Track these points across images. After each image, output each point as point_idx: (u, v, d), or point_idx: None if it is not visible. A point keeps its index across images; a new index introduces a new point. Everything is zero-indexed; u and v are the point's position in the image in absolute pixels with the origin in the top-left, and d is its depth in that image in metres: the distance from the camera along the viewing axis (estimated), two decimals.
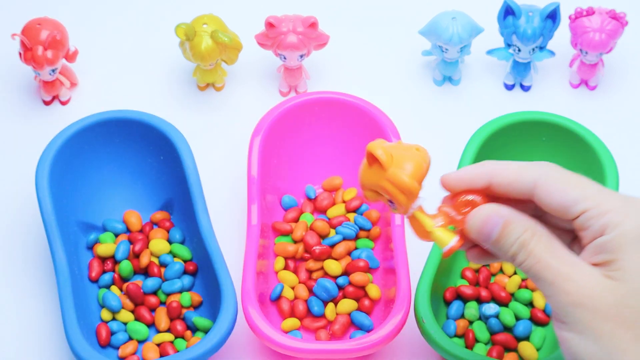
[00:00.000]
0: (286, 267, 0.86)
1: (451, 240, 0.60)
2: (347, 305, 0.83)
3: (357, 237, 0.87)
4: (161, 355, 0.81)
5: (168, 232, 0.88)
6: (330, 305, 0.84)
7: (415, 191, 0.60)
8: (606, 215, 0.55)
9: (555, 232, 0.59)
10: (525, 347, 0.81)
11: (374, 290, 0.84)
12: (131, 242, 0.86)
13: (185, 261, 0.86)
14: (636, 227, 0.55)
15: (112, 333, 0.83)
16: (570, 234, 0.60)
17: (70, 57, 0.95)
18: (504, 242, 0.58)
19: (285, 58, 0.94)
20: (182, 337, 0.83)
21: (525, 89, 0.98)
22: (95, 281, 0.86)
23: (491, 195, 0.60)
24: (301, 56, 0.94)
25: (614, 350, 0.54)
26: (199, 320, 0.82)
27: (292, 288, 0.85)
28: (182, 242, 0.88)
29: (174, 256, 0.86)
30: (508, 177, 0.58)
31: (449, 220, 0.61)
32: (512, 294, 0.84)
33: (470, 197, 0.61)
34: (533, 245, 0.57)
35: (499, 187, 0.59)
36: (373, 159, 0.61)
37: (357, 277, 0.84)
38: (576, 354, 0.55)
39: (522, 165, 0.59)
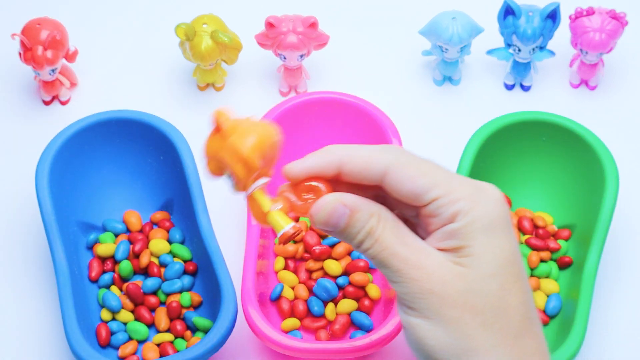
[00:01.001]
0: (286, 267, 0.86)
1: (287, 226, 0.58)
2: (347, 305, 0.83)
3: None
4: (161, 355, 0.81)
5: (168, 232, 0.88)
6: (330, 305, 0.84)
7: (252, 164, 0.57)
8: (457, 203, 0.55)
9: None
10: None
11: (374, 290, 0.84)
12: (131, 242, 0.86)
13: (185, 261, 0.86)
14: (486, 214, 0.55)
15: (112, 333, 0.83)
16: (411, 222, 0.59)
17: (70, 57, 0.95)
18: (350, 231, 0.56)
19: (285, 58, 0.94)
20: (182, 337, 0.83)
21: (525, 89, 0.98)
22: (95, 281, 0.86)
23: (337, 181, 0.58)
24: (301, 56, 0.94)
25: (462, 335, 0.54)
26: (199, 320, 0.82)
27: (292, 288, 0.85)
28: (182, 242, 0.88)
29: (174, 256, 0.86)
30: (358, 165, 0.56)
31: (289, 205, 0.58)
32: None
33: (313, 183, 0.57)
34: (379, 232, 0.55)
35: (349, 176, 0.57)
36: (218, 127, 0.58)
37: (357, 277, 0.84)
38: (424, 339, 0.55)
39: (372, 152, 0.56)
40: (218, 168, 0.59)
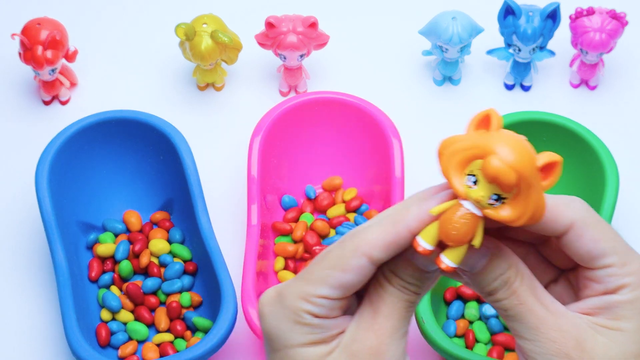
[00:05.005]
0: (286, 267, 0.86)
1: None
2: None
3: None
4: (161, 356, 0.81)
5: (168, 232, 0.88)
6: None
7: (527, 174, 0.47)
8: (628, 276, 0.53)
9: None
10: None
11: None
12: (131, 242, 0.86)
13: (185, 261, 0.86)
14: None
15: (111, 333, 0.83)
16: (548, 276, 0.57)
17: (70, 57, 0.95)
18: (485, 276, 0.52)
19: (285, 58, 0.94)
20: (182, 337, 0.83)
21: (525, 89, 0.98)
22: (95, 281, 0.86)
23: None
24: (301, 56, 0.94)
25: None
26: (199, 320, 0.82)
27: None
28: (182, 242, 0.88)
29: (174, 256, 0.86)
30: (545, 215, 0.51)
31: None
32: None
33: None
34: (517, 285, 0.52)
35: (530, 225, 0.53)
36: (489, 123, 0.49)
37: None
38: None
39: (559, 204, 0.53)
40: (464, 164, 0.49)
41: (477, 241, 0.48)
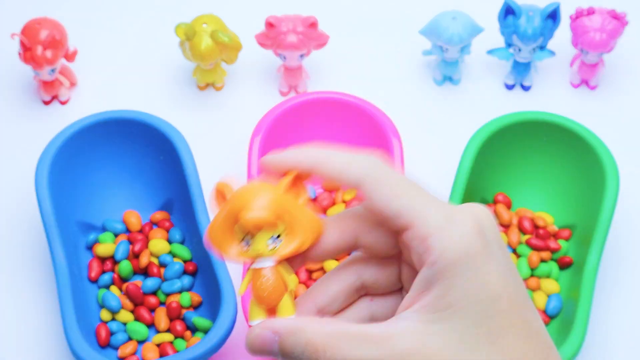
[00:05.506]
0: None
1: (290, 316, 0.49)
2: None
3: None
4: (161, 356, 0.81)
5: (168, 232, 0.88)
6: None
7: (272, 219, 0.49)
8: (427, 239, 0.46)
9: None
10: None
11: None
12: (131, 242, 0.86)
13: (185, 261, 0.86)
14: (453, 251, 0.46)
15: (111, 333, 0.83)
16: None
17: (70, 57, 0.95)
18: (290, 356, 0.48)
19: (285, 58, 0.94)
20: (182, 338, 0.83)
21: (525, 89, 0.98)
22: (94, 281, 0.85)
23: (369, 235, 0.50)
24: (301, 56, 0.94)
25: None
26: (199, 320, 0.82)
27: None
28: (182, 242, 0.88)
29: (174, 256, 0.86)
30: (332, 171, 0.49)
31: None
32: None
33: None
34: (327, 355, 0.47)
35: (324, 178, 0.50)
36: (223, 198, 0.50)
37: None
38: None
39: (350, 159, 0.49)
40: (231, 235, 0.50)
41: (292, 285, 0.49)
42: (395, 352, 0.46)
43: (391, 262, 0.51)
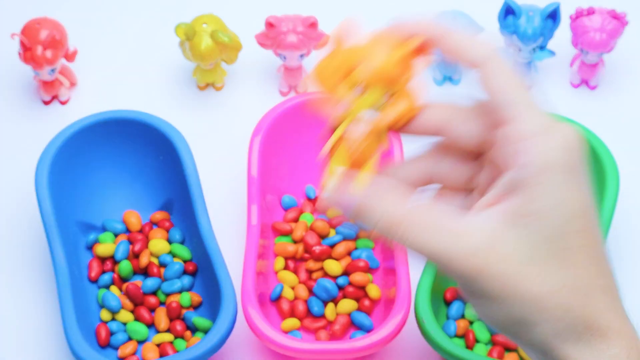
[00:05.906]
0: (286, 267, 0.86)
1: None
2: (347, 305, 0.83)
3: (357, 237, 0.87)
4: (161, 356, 0.81)
5: (168, 232, 0.88)
6: (330, 305, 0.83)
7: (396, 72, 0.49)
8: (521, 142, 0.47)
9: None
10: None
11: (374, 291, 0.84)
12: (131, 242, 0.86)
13: (185, 261, 0.86)
14: (548, 162, 0.46)
15: (111, 333, 0.83)
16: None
17: (70, 57, 0.95)
18: (364, 220, 0.50)
19: (285, 58, 0.94)
20: (182, 338, 0.83)
21: None
22: (94, 281, 0.85)
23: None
24: (301, 56, 0.94)
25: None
26: (199, 320, 0.82)
27: (292, 288, 0.85)
28: (182, 242, 0.88)
29: (174, 256, 0.86)
30: (458, 45, 0.50)
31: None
32: None
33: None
34: (399, 233, 0.49)
35: (445, 51, 0.50)
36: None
37: (357, 277, 0.83)
38: (485, 315, 0.49)
39: (474, 39, 0.50)
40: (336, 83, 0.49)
41: (381, 149, 0.49)
42: (466, 247, 0.47)
43: (468, 161, 0.52)
